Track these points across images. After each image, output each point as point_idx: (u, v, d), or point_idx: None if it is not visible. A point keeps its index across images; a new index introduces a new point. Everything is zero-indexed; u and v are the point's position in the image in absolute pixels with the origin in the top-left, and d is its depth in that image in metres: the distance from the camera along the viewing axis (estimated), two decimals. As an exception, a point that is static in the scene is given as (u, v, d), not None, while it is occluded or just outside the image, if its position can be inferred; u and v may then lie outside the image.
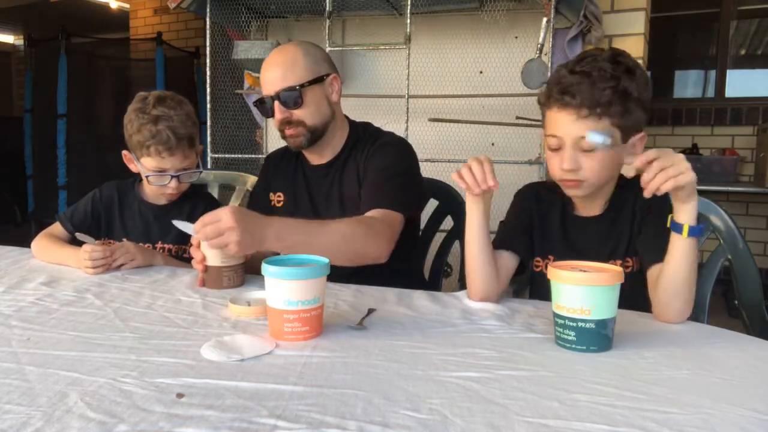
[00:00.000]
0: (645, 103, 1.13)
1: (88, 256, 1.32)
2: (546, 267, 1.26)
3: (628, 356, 0.85)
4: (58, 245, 1.47)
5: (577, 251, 1.19)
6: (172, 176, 1.48)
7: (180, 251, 1.56)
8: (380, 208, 1.36)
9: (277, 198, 1.58)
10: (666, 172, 0.95)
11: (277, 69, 1.43)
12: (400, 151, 1.49)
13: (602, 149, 1.11)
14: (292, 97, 1.41)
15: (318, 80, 1.44)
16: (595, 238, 1.23)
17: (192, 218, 1.54)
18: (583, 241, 1.24)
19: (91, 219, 1.58)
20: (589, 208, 1.24)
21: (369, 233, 1.30)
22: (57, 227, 1.57)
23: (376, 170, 1.43)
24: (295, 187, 1.56)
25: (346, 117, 1.58)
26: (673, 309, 1.03)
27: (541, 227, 1.29)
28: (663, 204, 1.09)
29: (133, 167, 1.55)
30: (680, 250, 1.01)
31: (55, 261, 1.43)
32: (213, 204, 1.65)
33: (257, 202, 1.60)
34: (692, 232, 1.00)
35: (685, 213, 1.00)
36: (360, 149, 1.50)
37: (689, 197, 0.99)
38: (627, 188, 1.22)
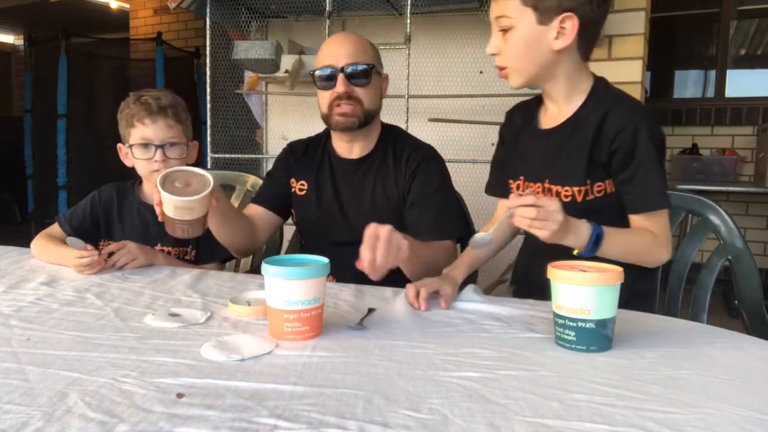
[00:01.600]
0: None
1: (77, 263, 1.32)
2: (517, 188, 1.30)
3: (628, 356, 0.85)
4: (56, 245, 1.47)
5: (541, 168, 1.22)
6: (156, 147, 1.48)
7: (181, 253, 1.56)
8: (446, 239, 1.44)
9: (300, 186, 1.56)
10: (532, 223, 1.00)
11: (349, 45, 1.44)
12: (443, 167, 1.54)
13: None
14: (361, 73, 1.43)
15: (380, 72, 1.49)
16: (552, 153, 1.22)
17: None
18: (545, 157, 1.23)
19: (89, 221, 1.58)
20: (554, 118, 1.23)
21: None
22: (56, 228, 1.57)
23: (429, 194, 1.47)
24: (320, 178, 1.55)
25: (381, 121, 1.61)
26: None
27: (513, 149, 1.31)
28: (646, 149, 1.12)
29: (128, 162, 1.55)
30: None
31: (53, 261, 1.44)
32: None
33: (275, 183, 1.59)
34: (584, 254, 1.05)
35: (569, 243, 1.06)
36: (396, 153, 1.51)
37: (560, 240, 1.03)
38: (600, 101, 1.19)
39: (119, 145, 1.56)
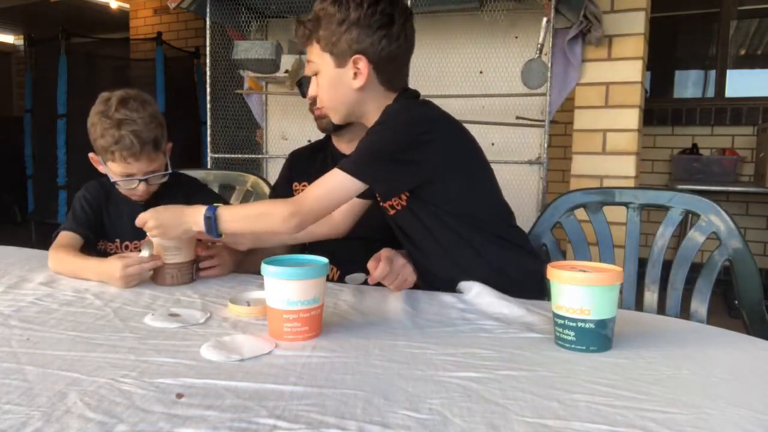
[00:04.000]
0: (355, 23, 1.15)
1: (130, 272, 1.24)
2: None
3: (628, 356, 0.85)
4: (77, 257, 1.37)
5: None
6: (140, 180, 1.45)
7: None
8: None
9: (302, 188, 1.61)
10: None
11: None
12: None
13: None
14: None
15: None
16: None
17: None
18: None
19: (94, 218, 1.52)
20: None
21: None
22: (64, 237, 1.46)
23: None
24: (321, 175, 1.57)
25: None
26: None
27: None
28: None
29: (102, 169, 1.50)
30: None
31: (74, 274, 1.34)
32: (197, 193, 1.61)
33: (278, 194, 1.67)
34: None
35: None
36: None
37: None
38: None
39: (91, 154, 1.48)
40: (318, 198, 1.11)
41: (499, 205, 1.31)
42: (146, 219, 1.22)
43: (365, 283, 1.22)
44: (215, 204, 1.18)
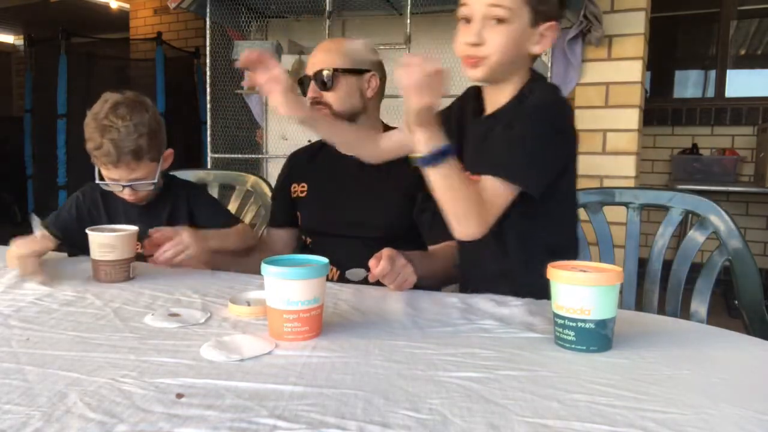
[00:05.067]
0: None
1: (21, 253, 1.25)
2: None
3: (628, 356, 0.85)
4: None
5: (476, 156, 1.16)
6: (124, 186, 1.46)
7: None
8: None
9: (301, 188, 1.63)
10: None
11: (320, 53, 1.55)
12: None
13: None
14: (324, 79, 1.51)
15: (355, 71, 1.53)
16: (480, 140, 1.17)
17: (173, 216, 1.56)
18: (477, 146, 1.17)
19: (76, 223, 1.51)
20: (495, 106, 1.19)
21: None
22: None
23: None
24: (322, 177, 1.61)
25: (381, 121, 1.66)
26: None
27: (458, 139, 1.26)
28: (530, 120, 1.09)
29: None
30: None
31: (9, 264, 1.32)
32: (197, 198, 1.63)
33: (280, 200, 1.69)
34: (423, 161, 0.98)
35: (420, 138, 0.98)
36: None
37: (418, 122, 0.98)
38: (526, 94, 1.15)
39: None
40: (497, 204, 1.06)
41: (572, 229, 1.25)
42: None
43: (365, 280, 1.22)
44: None
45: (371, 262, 1.17)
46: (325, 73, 1.51)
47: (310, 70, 1.55)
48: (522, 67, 1.17)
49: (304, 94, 1.55)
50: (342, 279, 1.42)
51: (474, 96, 1.27)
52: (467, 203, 1.02)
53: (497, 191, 1.06)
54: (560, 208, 1.20)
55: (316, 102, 1.52)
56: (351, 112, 1.54)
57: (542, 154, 1.09)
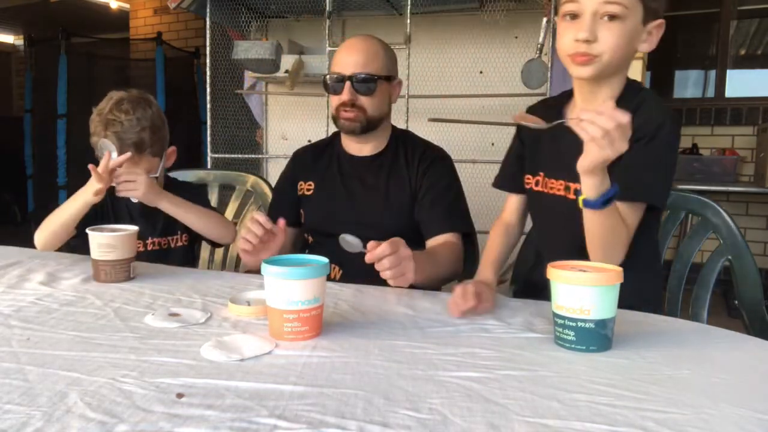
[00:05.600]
0: None
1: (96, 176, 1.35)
2: (536, 184, 1.28)
3: (628, 356, 0.85)
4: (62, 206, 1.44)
5: (562, 165, 1.14)
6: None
7: (172, 242, 1.61)
8: (457, 232, 1.49)
9: (308, 186, 1.61)
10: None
11: (359, 54, 1.48)
12: (453, 168, 1.59)
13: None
14: (367, 84, 1.47)
15: (389, 78, 1.52)
16: (575, 150, 1.09)
17: (173, 216, 1.56)
18: (567, 154, 1.09)
19: (93, 214, 1.51)
20: (590, 104, 1.15)
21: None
22: None
23: (441, 188, 1.52)
24: (328, 175, 1.60)
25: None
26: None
27: (533, 145, 1.28)
28: (663, 145, 1.09)
29: None
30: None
31: (59, 221, 1.42)
32: (196, 199, 1.62)
33: (281, 197, 1.66)
34: (592, 203, 1.02)
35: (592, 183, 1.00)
36: (408, 151, 1.56)
37: (594, 167, 0.98)
38: (632, 98, 1.13)
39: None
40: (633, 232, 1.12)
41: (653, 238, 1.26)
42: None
43: (360, 256, 1.14)
44: None
45: (371, 244, 1.11)
46: (366, 77, 1.46)
47: (346, 70, 1.47)
48: (626, 67, 1.16)
49: (331, 91, 1.50)
50: (344, 279, 1.42)
51: (563, 102, 1.28)
52: (620, 236, 1.07)
53: (638, 213, 1.11)
54: (654, 219, 1.22)
55: (351, 104, 1.47)
56: (379, 118, 1.52)
57: (672, 176, 1.14)
